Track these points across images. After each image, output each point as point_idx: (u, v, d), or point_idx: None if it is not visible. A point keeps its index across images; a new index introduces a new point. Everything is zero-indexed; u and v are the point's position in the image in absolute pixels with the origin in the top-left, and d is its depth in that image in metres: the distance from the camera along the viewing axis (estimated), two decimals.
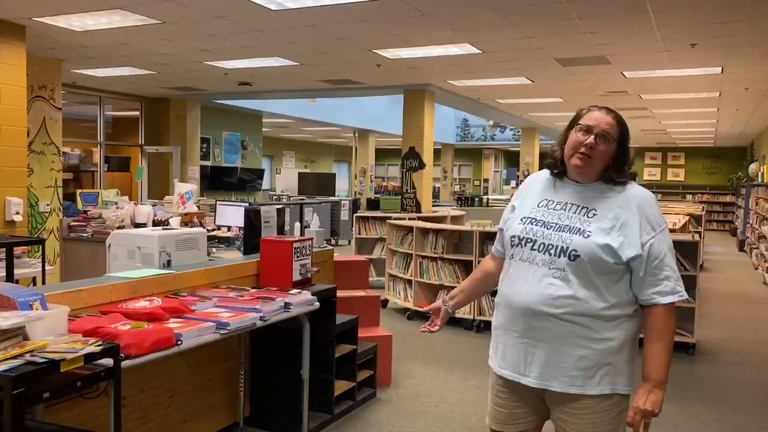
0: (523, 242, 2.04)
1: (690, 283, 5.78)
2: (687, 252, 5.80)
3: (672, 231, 7.74)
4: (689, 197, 22.15)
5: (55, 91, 8.30)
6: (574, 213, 2.01)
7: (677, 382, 5.02)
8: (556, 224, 2.01)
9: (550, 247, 1.98)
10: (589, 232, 1.95)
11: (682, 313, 5.85)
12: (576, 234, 1.96)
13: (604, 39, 6.66)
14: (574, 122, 2.05)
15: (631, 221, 1.95)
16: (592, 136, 1.98)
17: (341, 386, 4.15)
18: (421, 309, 6.91)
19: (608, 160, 2.01)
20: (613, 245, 1.93)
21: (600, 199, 2.01)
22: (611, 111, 2.03)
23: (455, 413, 4.22)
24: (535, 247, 2.01)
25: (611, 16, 5.78)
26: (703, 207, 14.50)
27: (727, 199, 22.11)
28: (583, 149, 1.98)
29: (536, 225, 2.04)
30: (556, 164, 2.10)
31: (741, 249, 15.08)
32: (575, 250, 1.94)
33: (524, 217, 2.08)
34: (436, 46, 7.16)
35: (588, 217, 1.99)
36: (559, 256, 1.96)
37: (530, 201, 2.12)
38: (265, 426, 3.81)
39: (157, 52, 7.77)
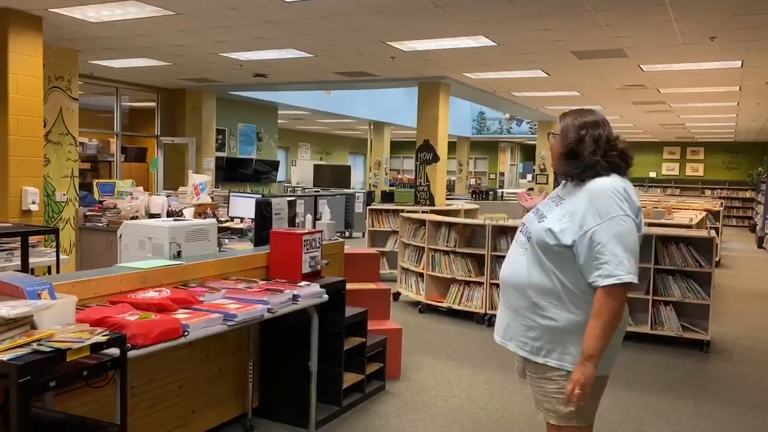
0: (520, 226, 2.43)
1: (705, 280, 5.72)
2: (702, 248, 5.72)
3: (688, 227, 7.65)
4: (708, 192, 21.89)
5: (71, 81, 8.37)
6: (553, 203, 2.32)
7: (690, 379, 4.97)
8: (540, 213, 2.33)
9: (525, 230, 2.35)
10: (545, 218, 2.27)
11: (696, 309, 5.79)
12: (538, 220, 2.29)
13: (621, 32, 6.57)
14: None
15: (579, 211, 2.18)
16: (551, 137, 2.38)
17: (350, 378, 4.15)
18: (432, 302, 6.90)
19: (559, 155, 2.32)
20: (554, 229, 2.20)
21: (571, 192, 2.28)
22: (566, 113, 2.35)
23: (464, 408, 4.21)
24: (521, 230, 2.39)
25: (628, 8, 5.70)
26: (722, 203, 14.30)
27: (747, 194, 21.79)
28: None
29: (532, 213, 2.39)
30: None
31: (760, 245, 14.87)
32: (531, 233, 2.29)
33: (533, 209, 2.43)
34: (451, 38, 7.12)
35: (556, 206, 2.29)
36: (523, 237, 2.34)
37: (548, 196, 2.45)
38: (273, 417, 3.83)
39: (172, 43, 7.80)
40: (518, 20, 6.22)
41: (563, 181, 2.37)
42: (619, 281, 2.07)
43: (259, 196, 5.74)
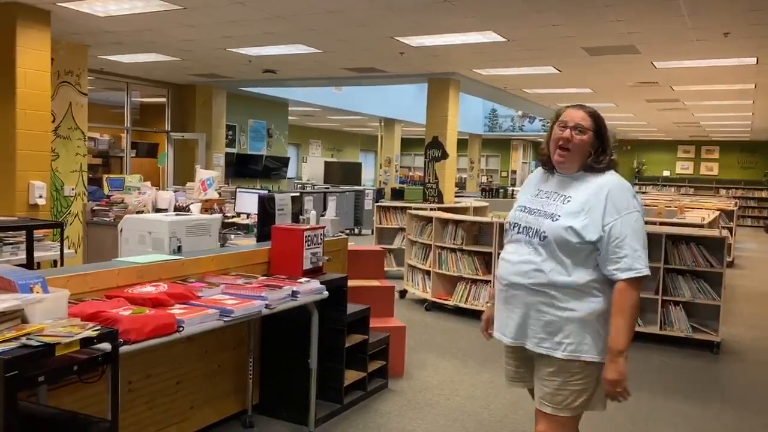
0: (512, 227, 2.40)
1: (716, 280, 5.62)
2: (713, 248, 5.62)
3: (700, 226, 7.54)
4: (723, 192, 21.65)
5: (81, 76, 8.38)
6: (554, 200, 2.32)
7: (698, 381, 4.88)
8: (538, 210, 2.32)
9: (529, 229, 2.32)
10: (559, 216, 2.26)
11: (707, 310, 5.69)
12: (548, 218, 2.28)
13: (633, 27, 6.47)
14: (554, 121, 2.38)
15: (598, 206, 2.23)
16: (568, 130, 2.30)
17: (352, 376, 4.11)
18: (438, 300, 6.84)
19: (587, 150, 2.30)
20: (577, 227, 2.22)
21: (577, 187, 2.30)
22: (584, 107, 2.35)
23: (467, 407, 4.16)
24: (519, 230, 2.36)
25: (639, 3, 5.60)
26: (737, 202, 14.11)
27: (763, 194, 21.54)
28: (561, 143, 2.31)
29: (524, 212, 2.37)
30: (546, 160, 2.41)
31: None
32: (544, 232, 2.26)
33: (519, 206, 2.42)
34: (460, 33, 7.04)
35: (563, 203, 2.29)
36: (534, 237, 2.29)
37: (528, 192, 2.44)
38: (273, 414, 3.79)
39: (181, 38, 7.79)
40: (528, 15, 6.14)
41: (547, 175, 2.41)
42: (639, 274, 2.19)
43: (265, 191, 5.71)
